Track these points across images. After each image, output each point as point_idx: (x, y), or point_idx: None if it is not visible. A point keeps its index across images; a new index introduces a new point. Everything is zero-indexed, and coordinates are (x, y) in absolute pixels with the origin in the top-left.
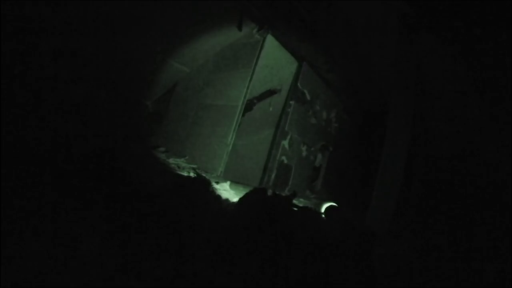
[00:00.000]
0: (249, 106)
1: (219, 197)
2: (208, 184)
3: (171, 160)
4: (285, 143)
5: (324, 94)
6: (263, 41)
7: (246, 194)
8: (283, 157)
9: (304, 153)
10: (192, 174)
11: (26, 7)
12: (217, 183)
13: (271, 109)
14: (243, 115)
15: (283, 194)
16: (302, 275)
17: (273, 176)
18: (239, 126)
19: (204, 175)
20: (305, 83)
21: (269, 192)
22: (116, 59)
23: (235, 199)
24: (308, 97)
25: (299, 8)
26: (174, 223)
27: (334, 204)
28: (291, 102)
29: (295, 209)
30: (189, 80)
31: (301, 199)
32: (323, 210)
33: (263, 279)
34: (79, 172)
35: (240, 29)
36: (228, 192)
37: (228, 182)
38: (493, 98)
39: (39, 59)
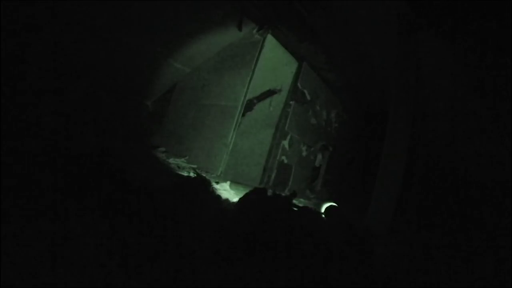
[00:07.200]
0: (249, 106)
1: (219, 197)
2: (208, 184)
3: (171, 160)
4: (285, 143)
5: (324, 94)
6: (263, 41)
7: (246, 194)
8: (283, 157)
9: (304, 153)
10: (192, 174)
11: (26, 7)
12: (217, 183)
13: (271, 109)
14: (243, 115)
15: (283, 194)
16: (302, 275)
17: (273, 176)
18: (239, 126)
19: (204, 175)
20: (305, 83)
21: (269, 192)
22: (116, 59)
23: (235, 199)
24: (308, 97)
25: (299, 8)
26: (174, 223)
27: (334, 204)
28: (291, 102)
29: (295, 209)
30: (189, 80)
31: (301, 199)
32: (323, 210)
33: (263, 279)
34: (79, 172)
35: (240, 29)
36: (228, 192)
37: (228, 182)
38: (493, 98)
39: (39, 59)
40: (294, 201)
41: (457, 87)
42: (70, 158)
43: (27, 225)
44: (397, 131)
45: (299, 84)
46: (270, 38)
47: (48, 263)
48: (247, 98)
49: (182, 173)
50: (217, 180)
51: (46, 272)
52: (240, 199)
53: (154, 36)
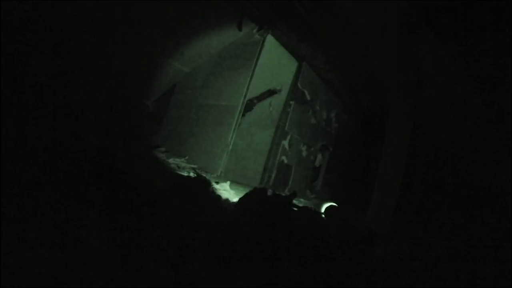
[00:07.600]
0: (249, 106)
1: (219, 197)
2: (208, 184)
3: (171, 160)
4: (285, 143)
5: (324, 94)
6: (263, 41)
7: (246, 194)
8: (283, 157)
9: (304, 153)
10: (192, 174)
11: (26, 7)
12: (217, 183)
13: (271, 109)
14: (243, 115)
15: (283, 194)
16: (302, 275)
17: (273, 176)
18: (239, 126)
19: (204, 175)
20: (305, 83)
21: (269, 192)
22: (116, 59)
23: (235, 199)
24: (308, 97)
25: (299, 8)
26: (174, 223)
27: (334, 204)
28: (291, 102)
29: (295, 209)
30: (189, 80)
31: (301, 199)
32: (323, 210)
33: (263, 279)
34: (79, 172)
35: (240, 29)
36: (228, 192)
37: (228, 182)
38: (493, 98)
39: (39, 59)
40: (294, 201)
41: (457, 87)
42: (70, 158)
43: (27, 225)
44: (397, 131)
45: (299, 84)
46: (270, 38)
47: (49, 263)
48: (247, 98)
49: (182, 173)
50: (217, 180)
51: (46, 271)
52: (240, 199)
53: (155, 36)
